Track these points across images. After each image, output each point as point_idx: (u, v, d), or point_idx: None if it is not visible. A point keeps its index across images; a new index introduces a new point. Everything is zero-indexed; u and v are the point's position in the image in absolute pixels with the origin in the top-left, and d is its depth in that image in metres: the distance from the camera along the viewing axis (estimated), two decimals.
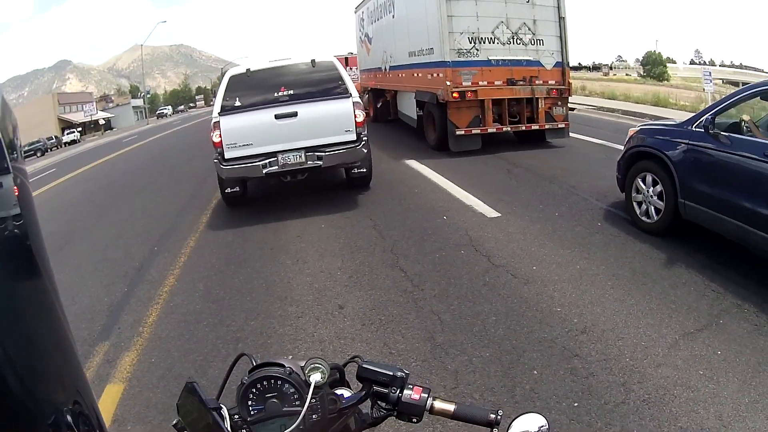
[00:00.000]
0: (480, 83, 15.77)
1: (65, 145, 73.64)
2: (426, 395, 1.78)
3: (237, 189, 11.72)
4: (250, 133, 10.79)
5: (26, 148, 65.08)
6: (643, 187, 8.71)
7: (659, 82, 78.33)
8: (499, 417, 1.76)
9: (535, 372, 5.32)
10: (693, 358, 5.37)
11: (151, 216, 13.26)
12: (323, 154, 10.90)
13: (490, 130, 15.97)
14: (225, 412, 1.63)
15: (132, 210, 14.55)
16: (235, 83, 11.22)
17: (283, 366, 1.72)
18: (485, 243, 8.69)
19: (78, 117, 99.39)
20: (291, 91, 11.13)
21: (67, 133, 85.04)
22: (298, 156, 10.87)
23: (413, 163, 15.21)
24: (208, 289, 8.09)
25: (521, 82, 16.08)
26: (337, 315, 6.82)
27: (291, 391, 1.68)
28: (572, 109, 20.84)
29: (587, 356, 5.51)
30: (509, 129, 16.46)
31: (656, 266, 7.50)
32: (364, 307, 6.97)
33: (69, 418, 0.90)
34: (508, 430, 1.74)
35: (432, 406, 1.78)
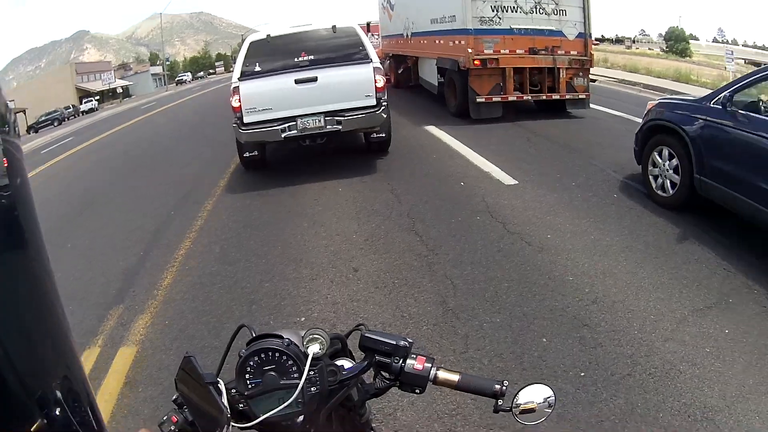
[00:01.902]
0: (502, 51, 15.63)
1: (83, 114, 73.06)
2: (429, 365, 1.82)
3: (255, 153, 11.74)
4: (270, 98, 10.80)
5: (43, 118, 65.46)
6: (660, 160, 8.68)
7: (681, 57, 77.23)
8: (504, 388, 1.79)
9: (545, 340, 5.37)
10: (701, 335, 5.40)
11: (168, 181, 13.28)
12: (342, 118, 10.87)
13: (510, 99, 15.80)
14: (222, 386, 1.63)
15: (149, 176, 14.60)
16: (255, 49, 11.28)
17: (281, 337, 1.71)
18: (501, 210, 8.70)
19: (96, 86, 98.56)
20: (311, 57, 11.13)
21: (85, 102, 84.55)
22: (317, 120, 10.85)
23: (433, 129, 15.14)
24: (224, 252, 8.16)
25: (543, 52, 15.95)
26: (351, 278, 6.88)
27: (289, 363, 1.68)
28: (594, 81, 20.72)
29: (596, 326, 5.56)
30: (530, 98, 16.43)
31: (669, 241, 7.50)
32: (378, 270, 7.03)
33: (58, 393, 0.90)
34: (513, 400, 1.79)
35: (436, 377, 1.82)
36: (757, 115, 7.09)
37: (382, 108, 11.09)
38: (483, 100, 15.71)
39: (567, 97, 16.42)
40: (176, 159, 16.55)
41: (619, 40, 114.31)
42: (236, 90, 10.81)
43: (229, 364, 1.86)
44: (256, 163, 12.21)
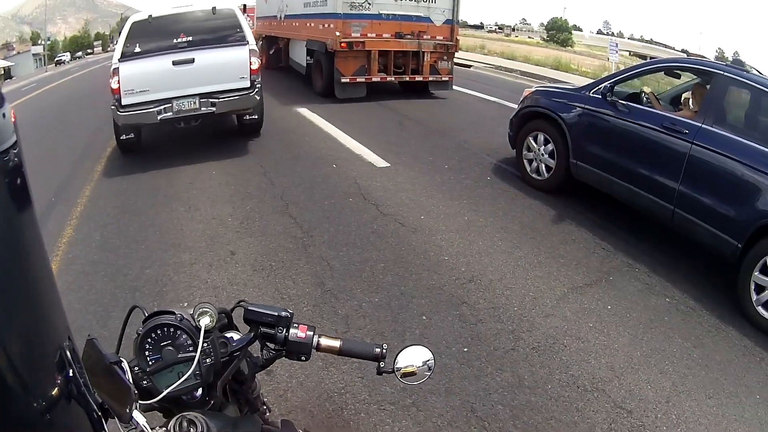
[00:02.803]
0: (369, 35, 16.31)
1: None
2: (312, 333, 1.91)
3: (132, 136, 11.35)
4: (148, 80, 10.58)
5: None
6: (535, 145, 8.94)
7: (562, 47, 79.25)
8: (384, 351, 1.92)
9: (424, 317, 5.40)
10: (582, 311, 5.56)
11: (47, 167, 12.72)
12: (217, 100, 10.81)
13: (374, 79, 16.54)
14: (125, 365, 1.60)
15: (29, 162, 13.87)
16: (137, 29, 10.99)
17: (173, 313, 1.72)
18: (374, 192, 8.71)
19: None
20: (190, 38, 10.98)
21: None
22: (192, 102, 10.72)
23: (305, 112, 15.02)
24: (105, 239, 7.84)
25: (409, 36, 16.71)
26: (230, 261, 6.73)
27: (184, 337, 1.69)
28: (468, 67, 21.25)
29: (475, 304, 5.64)
30: (393, 79, 17.18)
31: (546, 222, 7.69)
32: (255, 252, 6.90)
33: (69, 354, 0.93)
34: (394, 363, 1.92)
35: (318, 344, 1.92)
36: (639, 106, 7.51)
37: (256, 90, 11.13)
38: (347, 80, 16.29)
39: (430, 78, 17.22)
40: (55, 142, 15.66)
41: (500, 28, 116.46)
42: (116, 71, 10.50)
43: (124, 347, 1.83)
44: (131, 146, 11.75)
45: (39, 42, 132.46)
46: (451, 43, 17.32)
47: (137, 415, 1.44)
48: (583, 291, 5.94)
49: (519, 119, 9.35)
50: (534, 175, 9.00)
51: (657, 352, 5.01)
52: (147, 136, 12.21)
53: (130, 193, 9.60)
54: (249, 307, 1.88)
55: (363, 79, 16.40)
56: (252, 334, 1.88)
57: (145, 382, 1.68)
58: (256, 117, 12.09)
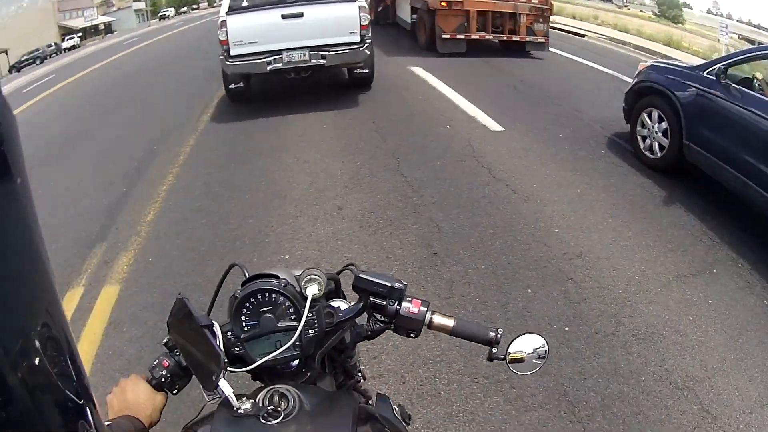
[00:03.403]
0: None
1: (65, 51, 71.02)
2: (425, 309, 1.77)
3: (240, 85, 11.86)
4: (256, 32, 10.94)
5: (25, 58, 64.75)
6: (649, 122, 8.59)
7: (673, 23, 76.92)
8: (499, 336, 1.77)
9: (529, 291, 5.34)
10: (684, 302, 5.37)
11: (151, 117, 13.11)
12: (327, 53, 11.09)
13: (473, 36, 17.29)
14: (217, 329, 1.57)
15: (132, 112, 14.22)
16: None
17: (277, 278, 1.67)
18: (487, 156, 8.58)
19: (78, 23, 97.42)
20: None
21: (67, 39, 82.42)
22: (302, 54, 11.02)
23: (417, 70, 14.89)
24: (208, 187, 8.04)
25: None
26: (336, 216, 6.79)
27: (287, 304, 1.64)
28: (582, 36, 21.17)
29: (581, 281, 5.53)
30: (491, 37, 17.85)
31: (656, 203, 7.44)
32: (363, 209, 6.94)
33: (37, 342, 0.82)
34: (507, 348, 1.77)
35: (431, 321, 1.78)
36: (751, 92, 7.07)
37: (366, 44, 11.31)
38: (448, 36, 17.11)
39: (527, 39, 17.90)
40: (159, 94, 16.30)
41: None
42: (223, 23, 10.91)
43: (220, 306, 1.83)
44: (240, 95, 12.28)
45: None
46: (546, 6, 17.97)
47: (224, 384, 1.40)
48: (687, 281, 5.72)
49: (634, 93, 9.01)
50: (647, 153, 8.64)
51: (749, 356, 4.79)
52: (257, 87, 12.44)
53: (237, 143, 9.82)
54: (359, 275, 1.76)
55: (462, 36, 17.17)
56: (361, 304, 1.77)
57: (237, 348, 1.64)
58: (367, 71, 12.29)
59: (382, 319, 1.79)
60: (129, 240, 6.87)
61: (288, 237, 6.37)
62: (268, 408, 1.44)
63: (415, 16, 19.41)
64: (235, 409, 1.42)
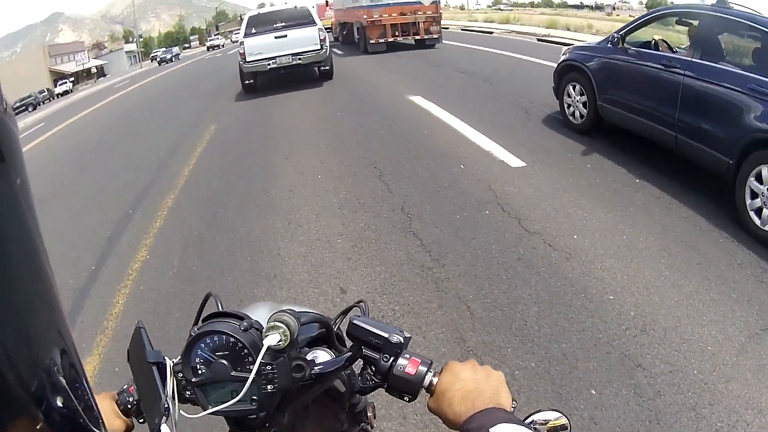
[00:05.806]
0: (384, 15, 26.86)
1: (58, 97, 74.26)
2: (424, 369, 1.45)
3: (252, 81, 19.76)
4: (260, 47, 18.64)
5: (17, 105, 67.69)
6: (573, 93, 10.69)
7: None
8: (512, 408, 1.49)
9: (593, 392, 4.32)
10: (760, 370, 4.47)
11: (139, 159, 13.25)
12: (302, 56, 18.85)
13: (389, 39, 27.31)
14: (169, 367, 1.37)
15: (116, 161, 14.32)
16: (251, 20, 19.53)
17: (242, 318, 1.40)
18: (512, 200, 7.70)
19: (70, 67, 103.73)
20: (283, 23, 19.30)
21: (60, 84, 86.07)
22: (288, 58, 18.81)
23: (418, 100, 14.75)
24: (183, 264, 7.22)
25: (408, 14, 27.07)
26: (339, 303, 5.70)
27: (245, 351, 1.36)
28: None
29: (651, 367, 4.54)
30: (402, 39, 27.63)
31: (706, 240, 6.45)
32: (373, 290, 5.89)
33: (37, 342, 0.79)
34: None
35: (431, 384, 1.46)
36: (645, 50, 8.97)
37: (325, 50, 19.14)
38: (374, 41, 27.42)
39: (425, 37, 27.47)
40: (148, 135, 17.49)
41: (598, 7, 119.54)
42: (242, 43, 18.73)
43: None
44: (252, 87, 19.95)
45: (131, 40, 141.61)
46: (436, 15, 27.66)
47: (165, 430, 1.21)
48: (760, 339, 4.78)
49: (559, 72, 11.10)
50: (571, 119, 10.86)
51: None
52: (237, 139, 13.29)
53: (218, 206, 9.13)
54: (354, 320, 1.48)
55: (383, 40, 27.35)
56: (348, 354, 1.51)
57: (188, 392, 1.42)
58: (328, 68, 20.35)
59: (374, 375, 1.50)
60: (94, 340, 5.98)
61: None
62: None
63: (357, 34, 30.46)
64: None
